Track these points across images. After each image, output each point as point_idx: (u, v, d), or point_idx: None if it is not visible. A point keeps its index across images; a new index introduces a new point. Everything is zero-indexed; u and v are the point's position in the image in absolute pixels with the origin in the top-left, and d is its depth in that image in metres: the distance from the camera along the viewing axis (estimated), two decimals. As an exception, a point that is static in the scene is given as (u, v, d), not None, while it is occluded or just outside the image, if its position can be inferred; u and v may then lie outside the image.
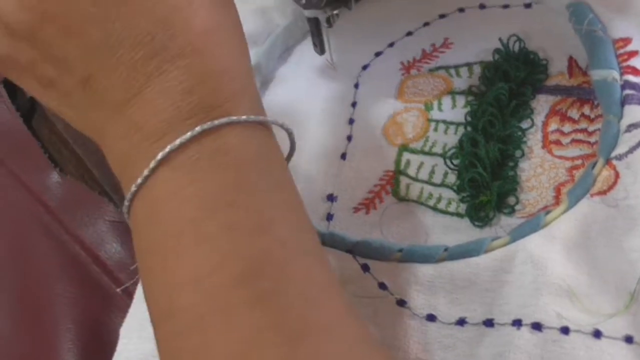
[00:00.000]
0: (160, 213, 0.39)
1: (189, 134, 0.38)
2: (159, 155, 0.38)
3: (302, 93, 0.65)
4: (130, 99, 0.40)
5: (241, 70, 0.42)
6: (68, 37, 0.40)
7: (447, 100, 0.60)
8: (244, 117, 0.39)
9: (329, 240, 0.52)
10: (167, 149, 0.38)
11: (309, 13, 0.56)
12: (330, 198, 0.57)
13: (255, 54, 0.65)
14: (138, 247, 0.40)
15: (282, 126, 0.43)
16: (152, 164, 0.38)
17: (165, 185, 0.39)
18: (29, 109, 0.45)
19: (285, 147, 0.45)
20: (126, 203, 0.40)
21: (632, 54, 0.54)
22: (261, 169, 0.40)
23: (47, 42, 0.41)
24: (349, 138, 0.60)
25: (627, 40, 0.55)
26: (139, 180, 0.39)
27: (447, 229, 0.53)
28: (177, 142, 0.38)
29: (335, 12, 0.56)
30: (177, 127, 0.39)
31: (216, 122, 0.38)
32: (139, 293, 0.52)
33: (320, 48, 0.61)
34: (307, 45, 0.63)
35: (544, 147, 0.54)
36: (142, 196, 0.39)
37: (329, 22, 0.58)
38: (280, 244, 0.38)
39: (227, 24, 0.43)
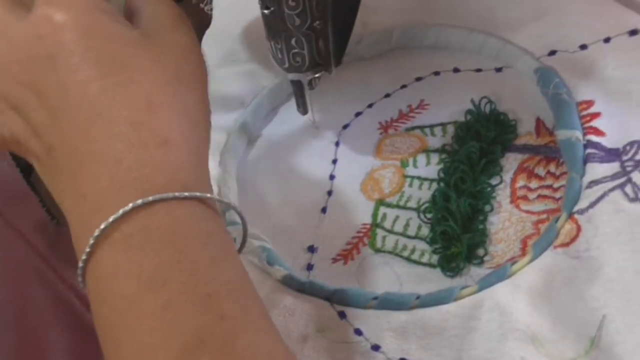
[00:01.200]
0: (106, 289, 0.38)
1: (120, 211, 0.37)
2: (96, 232, 0.37)
3: (286, 151, 0.66)
4: (80, 167, 0.39)
5: (181, 144, 0.40)
6: (37, 105, 0.41)
7: (421, 158, 0.62)
8: (177, 194, 0.39)
9: (309, 289, 0.53)
10: (102, 226, 0.37)
11: (291, 76, 0.58)
12: (311, 249, 0.58)
13: (242, 114, 0.67)
14: (94, 318, 0.40)
15: (225, 204, 0.45)
16: (91, 241, 0.38)
17: (107, 262, 0.38)
18: (28, 165, 0.47)
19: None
20: (79, 279, 0.40)
21: (595, 115, 0.56)
22: (199, 244, 0.39)
23: (20, 108, 0.41)
24: (330, 193, 0.62)
25: (590, 103, 0.57)
26: (83, 257, 0.38)
27: (420, 279, 0.55)
28: (110, 219, 0.37)
29: (316, 75, 0.58)
30: (112, 201, 0.38)
31: (150, 198, 0.38)
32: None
33: (303, 109, 0.62)
34: (291, 106, 0.64)
35: (512, 202, 0.56)
36: (89, 271, 0.39)
37: (311, 84, 0.59)
38: (221, 318, 0.37)
39: (172, 100, 0.41)
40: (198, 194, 0.39)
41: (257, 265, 0.56)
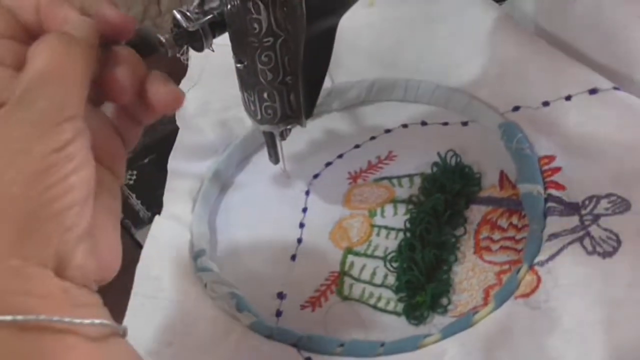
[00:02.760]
0: None
1: None
2: None
3: (257, 198, 0.68)
4: None
5: None
6: None
7: (389, 208, 0.63)
8: None
9: (277, 335, 0.54)
10: None
11: (264, 128, 0.59)
12: (280, 296, 0.59)
13: (215, 161, 0.68)
14: None
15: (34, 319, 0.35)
16: None
17: None
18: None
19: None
20: None
21: (555, 170, 0.57)
22: None
23: None
24: (299, 241, 0.63)
25: (551, 158, 0.58)
26: None
27: (385, 326, 0.55)
28: None
29: (288, 127, 0.59)
30: None
31: None
32: None
33: (274, 158, 0.63)
34: (264, 155, 0.65)
35: (475, 252, 0.58)
36: None
37: (283, 135, 0.60)
38: None
39: None
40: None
41: (227, 311, 0.56)
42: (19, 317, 0.34)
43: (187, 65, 0.74)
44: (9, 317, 0.33)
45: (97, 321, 0.37)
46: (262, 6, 0.50)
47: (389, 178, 0.66)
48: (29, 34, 0.41)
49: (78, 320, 0.36)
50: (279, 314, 0.59)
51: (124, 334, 0.40)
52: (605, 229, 0.51)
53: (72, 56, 0.39)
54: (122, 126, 0.45)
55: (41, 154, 0.36)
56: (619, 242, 0.50)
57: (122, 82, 0.43)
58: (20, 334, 0.34)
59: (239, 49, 0.54)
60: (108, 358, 0.38)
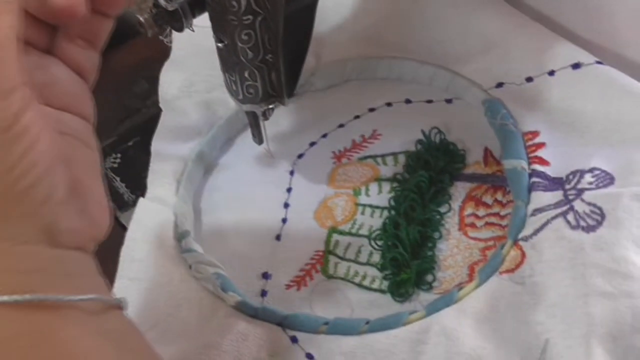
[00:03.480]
0: None
1: None
2: None
3: (242, 179, 0.67)
4: None
5: None
6: None
7: (373, 187, 0.63)
8: None
9: (262, 314, 0.54)
10: None
11: (246, 107, 0.59)
12: (265, 276, 0.59)
13: (199, 143, 0.68)
14: None
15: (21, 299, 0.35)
16: None
17: None
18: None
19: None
20: None
21: (539, 145, 0.58)
22: (11, 351, 0.35)
23: None
24: (284, 220, 0.63)
25: (535, 134, 0.59)
26: None
27: (370, 304, 0.56)
28: None
29: (270, 106, 0.59)
30: None
31: None
32: None
33: (258, 138, 0.64)
34: (247, 136, 0.66)
35: (460, 229, 0.58)
36: None
37: (265, 115, 0.60)
38: None
39: None
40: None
41: (212, 292, 0.56)
42: (17, 297, 0.34)
43: (170, 48, 0.74)
44: (5, 297, 0.34)
45: (93, 296, 0.38)
46: (240, -16, 0.50)
47: (374, 157, 0.66)
48: None
49: (75, 297, 0.36)
50: (264, 293, 0.59)
51: (124, 307, 0.40)
52: (589, 203, 0.51)
53: None
54: (77, 61, 0.42)
55: None
56: (602, 215, 0.50)
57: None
58: (19, 312, 0.35)
59: (219, 28, 0.54)
60: (106, 331, 0.38)
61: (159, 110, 0.70)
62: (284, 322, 0.54)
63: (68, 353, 0.35)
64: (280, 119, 0.67)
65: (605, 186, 0.52)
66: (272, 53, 0.54)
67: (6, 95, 0.35)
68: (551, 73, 0.61)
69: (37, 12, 0.38)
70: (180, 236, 0.61)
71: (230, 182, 0.68)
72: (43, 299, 0.35)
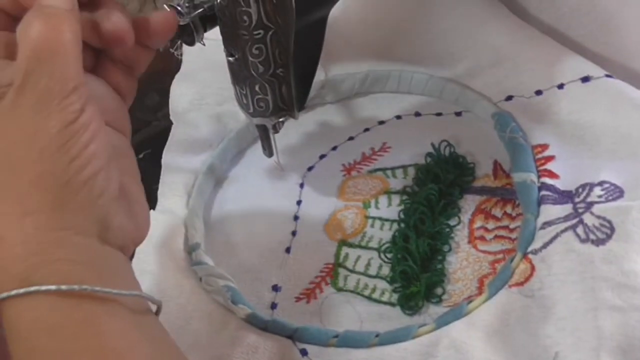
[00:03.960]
0: None
1: None
2: None
3: (252, 192, 0.68)
4: None
5: (12, 238, 0.38)
6: None
7: (383, 200, 0.63)
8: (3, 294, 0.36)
9: (272, 327, 0.54)
10: None
11: (256, 121, 0.59)
12: (275, 288, 0.60)
13: (210, 155, 0.68)
14: None
15: (80, 289, 0.37)
16: None
17: None
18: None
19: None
20: None
21: (549, 158, 0.58)
22: (44, 338, 0.36)
23: None
24: (294, 233, 0.63)
25: (544, 147, 0.59)
26: None
27: (380, 317, 0.56)
28: None
29: (281, 120, 0.59)
30: None
31: None
32: None
33: (268, 151, 0.64)
34: (258, 149, 0.66)
35: (469, 242, 0.58)
36: None
37: (276, 128, 0.60)
38: None
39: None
40: (32, 288, 0.36)
41: (222, 304, 0.57)
42: (63, 287, 0.36)
43: (181, 61, 0.74)
44: (53, 287, 0.36)
45: (138, 292, 0.40)
46: (252, -1, 0.51)
47: (383, 169, 0.66)
48: (11, 19, 0.42)
49: (123, 292, 0.38)
50: (274, 306, 0.59)
51: (158, 310, 0.43)
52: (599, 217, 0.51)
53: (59, 28, 0.39)
54: (118, 82, 0.46)
55: (57, 129, 0.38)
56: (612, 229, 0.50)
57: (121, 27, 0.43)
58: (64, 301, 0.37)
59: (230, 43, 0.54)
60: (145, 330, 0.40)
61: (170, 123, 0.70)
62: (294, 335, 0.54)
63: (111, 346, 0.37)
64: (290, 132, 0.67)
65: (614, 199, 0.52)
66: (283, 67, 0.55)
67: (72, 92, 0.39)
68: (560, 86, 0.61)
69: (86, 35, 0.42)
70: (190, 249, 0.61)
71: (241, 194, 0.68)
72: (92, 290, 0.37)
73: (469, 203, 0.61)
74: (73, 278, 0.37)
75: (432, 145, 0.65)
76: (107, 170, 0.40)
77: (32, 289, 0.36)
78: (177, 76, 0.72)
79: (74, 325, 0.37)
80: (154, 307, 0.43)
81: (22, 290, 0.36)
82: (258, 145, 0.66)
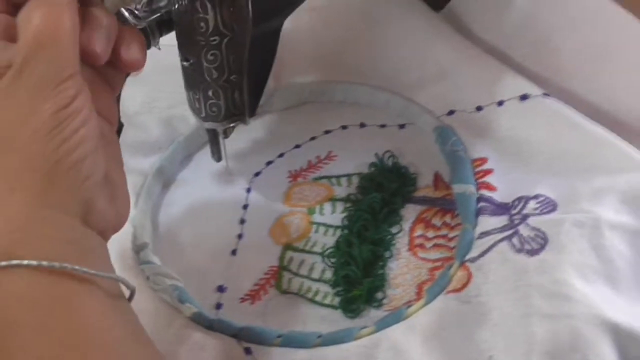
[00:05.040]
0: None
1: None
2: None
3: (200, 195, 0.68)
4: None
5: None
6: None
7: (328, 206, 0.65)
8: None
9: (217, 326, 0.55)
10: None
11: (207, 125, 0.60)
12: (221, 289, 0.60)
13: (159, 158, 0.69)
14: None
15: (60, 267, 0.38)
16: None
17: None
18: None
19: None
20: None
21: (487, 172, 0.60)
22: (34, 312, 0.37)
23: None
24: (240, 236, 0.64)
25: (483, 160, 0.61)
26: None
27: (322, 319, 0.57)
28: None
29: (231, 125, 0.60)
30: None
31: None
32: None
33: (217, 156, 0.65)
34: (207, 153, 0.67)
35: (409, 249, 0.60)
36: None
37: (226, 133, 0.62)
38: None
39: None
40: (14, 262, 0.37)
41: (169, 303, 0.57)
42: (44, 263, 0.38)
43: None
44: (34, 262, 0.37)
45: (118, 276, 0.42)
46: (209, 6, 0.52)
47: (328, 177, 0.67)
48: (11, 5, 0.44)
49: (98, 272, 0.40)
50: (219, 306, 0.60)
51: (132, 295, 0.44)
52: (533, 228, 0.53)
53: (60, 18, 0.42)
54: (106, 72, 0.48)
55: (51, 112, 0.40)
56: (545, 240, 0.52)
57: (98, 49, 0.45)
58: (44, 277, 0.38)
59: (186, 48, 0.55)
60: (120, 313, 0.41)
61: (121, 125, 0.71)
62: (239, 334, 0.55)
63: (86, 324, 0.38)
64: (239, 138, 0.68)
65: (548, 212, 0.54)
66: (237, 73, 0.56)
67: (68, 78, 0.41)
68: (500, 103, 0.63)
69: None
70: (138, 248, 0.62)
71: (189, 197, 0.69)
72: (72, 269, 0.38)
73: (410, 212, 0.62)
74: (55, 256, 0.38)
75: (376, 155, 0.67)
76: (95, 155, 0.42)
77: (14, 262, 0.37)
78: (128, 79, 0.73)
79: (52, 301, 0.38)
80: (127, 293, 0.44)
81: (3, 263, 0.37)
82: (207, 150, 0.67)
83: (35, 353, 0.37)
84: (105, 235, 0.44)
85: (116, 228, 0.46)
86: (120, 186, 0.47)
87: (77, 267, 0.38)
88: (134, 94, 0.72)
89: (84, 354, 0.38)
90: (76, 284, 0.39)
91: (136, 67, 0.49)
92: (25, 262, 0.37)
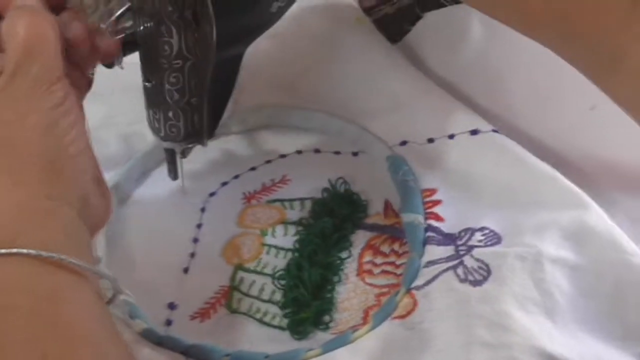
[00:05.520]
0: None
1: None
2: None
3: (154, 212, 0.69)
4: None
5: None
6: None
7: (280, 229, 0.66)
8: None
9: (166, 342, 0.56)
10: None
11: (166, 145, 0.61)
12: (171, 306, 0.61)
13: (115, 174, 0.69)
14: None
15: (57, 257, 0.40)
16: None
17: None
18: None
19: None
20: None
21: (436, 202, 0.61)
22: (30, 298, 0.39)
23: None
24: (192, 255, 0.65)
25: (433, 191, 0.62)
26: None
27: (270, 340, 0.58)
28: None
29: (189, 146, 0.61)
30: None
31: None
32: None
33: (173, 174, 0.65)
34: (163, 171, 0.67)
35: (358, 275, 0.61)
36: None
37: (184, 153, 0.63)
38: None
39: None
40: (14, 250, 0.39)
41: (119, 318, 0.57)
42: (43, 253, 0.39)
43: (92, 80, 0.75)
44: (33, 251, 0.39)
45: (106, 272, 0.46)
46: (174, 30, 0.53)
47: (282, 200, 0.68)
48: None
49: (92, 267, 0.42)
50: (169, 322, 0.60)
51: (114, 296, 0.48)
52: (478, 260, 0.55)
53: (45, 25, 0.45)
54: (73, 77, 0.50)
55: (46, 110, 0.44)
56: (489, 272, 0.54)
57: (79, 39, 0.49)
58: (42, 267, 0.40)
59: (149, 69, 0.56)
60: (104, 311, 0.43)
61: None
62: (188, 352, 0.55)
63: (78, 317, 0.40)
64: (196, 158, 0.69)
65: (492, 245, 0.56)
66: (198, 96, 0.57)
67: (57, 80, 0.45)
68: (451, 136, 0.65)
69: None
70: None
71: (143, 214, 0.69)
72: (69, 261, 0.40)
73: (360, 238, 0.63)
74: (54, 246, 0.40)
75: (329, 181, 0.68)
76: (88, 152, 0.46)
77: (14, 250, 0.39)
78: (88, 95, 0.73)
79: (46, 290, 0.40)
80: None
81: (3, 251, 0.39)
82: (164, 167, 0.67)
83: (24, 336, 0.38)
84: (93, 231, 0.46)
85: (100, 225, 0.49)
86: (105, 184, 0.50)
87: (73, 260, 0.40)
88: (95, 110, 0.72)
89: (70, 343, 0.39)
90: (70, 276, 0.41)
91: (111, 54, 0.52)
92: (25, 250, 0.39)
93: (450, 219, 0.60)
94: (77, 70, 0.51)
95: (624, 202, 0.61)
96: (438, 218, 0.60)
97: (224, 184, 0.71)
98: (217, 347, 0.56)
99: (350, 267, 0.62)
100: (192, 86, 0.56)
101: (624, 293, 0.53)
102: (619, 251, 0.54)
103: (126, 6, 0.54)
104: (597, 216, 0.56)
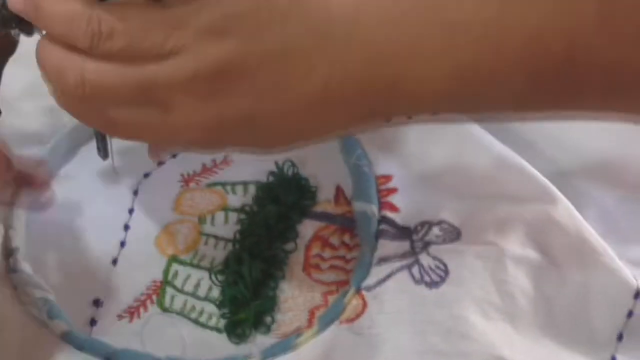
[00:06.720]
0: None
1: None
2: None
3: (82, 194, 0.64)
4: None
5: None
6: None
7: (220, 216, 0.61)
8: None
9: (89, 346, 0.53)
10: None
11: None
12: (97, 303, 0.57)
13: (40, 150, 0.65)
14: None
15: None
16: None
17: None
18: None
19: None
20: None
21: (392, 190, 0.58)
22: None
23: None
24: (122, 244, 0.61)
25: (388, 178, 0.59)
26: None
27: (204, 344, 0.55)
28: None
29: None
30: None
31: None
32: None
33: (103, 153, 0.60)
34: (93, 148, 0.61)
35: (304, 269, 0.58)
36: None
37: (112, 130, 0.59)
38: None
39: None
40: None
41: (37, 318, 0.54)
42: None
43: (17, 42, 0.70)
44: None
45: None
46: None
47: (223, 184, 0.64)
48: None
49: None
50: (93, 322, 0.56)
51: None
52: (435, 258, 0.53)
53: None
54: None
55: None
56: (446, 272, 0.52)
57: None
58: None
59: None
60: None
61: (-1, 112, 0.66)
62: (112, 357, 0.52)
63: None
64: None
65: (451, 241, 0.54)
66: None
67: None
68: (410, 116, 0.61)
69: None
70: (8, 253, 0.58)
71: (70, 195, 0.64)
72: None
73: (307, 228, 0.60)
74: None
75: (276, 163, 0.63)
76: None
77: None
78: (11, 59, 0.68)
79: None
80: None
81: None
82: (93, 145, 0.61)
83: None
84: None
85: None
86: None
87: None
88: (15, 77, 0.67)
89: None
90: None
91: None
92: None
93: (406, 209, 0.57)
94: None
95: (595, 194, 0.59)
96: (393, 208, 0.57)
97: (160, 163, 0.66)
98: (145, 353, 0.53)
99: (295, 261, 0.58)
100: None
101: (590, 295, 0.52)
102: (587, 250, 0.53)
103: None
104: (564, 210, 0.55)
